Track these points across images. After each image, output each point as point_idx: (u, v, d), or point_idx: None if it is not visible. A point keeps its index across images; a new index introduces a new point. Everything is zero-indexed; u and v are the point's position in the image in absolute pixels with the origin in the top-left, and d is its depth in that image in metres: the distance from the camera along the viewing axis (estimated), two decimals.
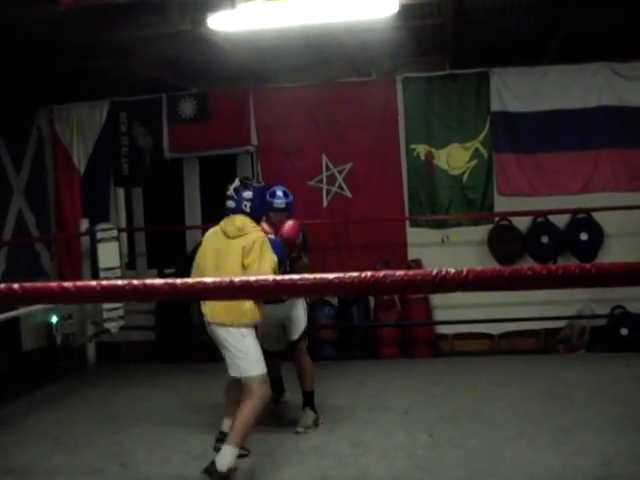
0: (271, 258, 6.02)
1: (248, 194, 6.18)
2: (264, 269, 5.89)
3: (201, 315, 6.23)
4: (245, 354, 5.99)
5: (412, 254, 10.51)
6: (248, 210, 6.18)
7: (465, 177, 10.48)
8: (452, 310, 10.10)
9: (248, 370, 5.97)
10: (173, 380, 9.19)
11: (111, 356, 10.84)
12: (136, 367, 10.19)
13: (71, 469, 6.37)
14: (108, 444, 6.91)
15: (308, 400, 7.27)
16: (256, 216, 6.27)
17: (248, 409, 5.86)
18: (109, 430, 7.28)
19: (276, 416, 7.50)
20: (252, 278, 2.25)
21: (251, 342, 6.04)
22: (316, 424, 7.15)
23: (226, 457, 5.75)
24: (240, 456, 5.95)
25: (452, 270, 2.12)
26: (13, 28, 7.39)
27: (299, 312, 7.25)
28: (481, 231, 10.51)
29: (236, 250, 6.00)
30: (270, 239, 6.30)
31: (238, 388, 6.15)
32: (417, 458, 6.26)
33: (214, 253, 6.15)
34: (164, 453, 6.68)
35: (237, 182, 6.28)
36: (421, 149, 10.58)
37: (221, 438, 6.24)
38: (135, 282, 2.29)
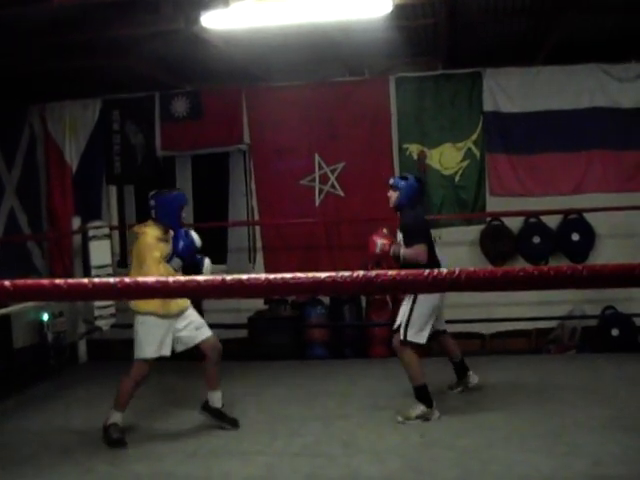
0: (153, 257, 6.66)
1: (152, 202, 6.93)
2: (147, 267, 6.63)
3: None
4: (136, 338, 6.91)
5: None
6: (154, 216, 6.90)
7: (457, 177, 10.50)
8: (444, 309, 10.10)
9: (136, 353, 6.90)
10: (164, 378, 9.16)
11: (102, 354, 10.80)
12: (127, 365, 10.13)
13: (61, 468, 6.35)
14: (98, 443, 6.89)
15: (415, 394, 7.30)
16: (160, 221, 6.90)
17: (124, 384, 6.89)
18: (99, 429, 7.26)
19: (265, 414, 7.51)
20: (244, 276, 2.25)
21: (142, 329, 6.86)
22: (424, 418, 7.17)
23: (113, 417, 6.85)
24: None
25: (444, 270, 2.12)
26: (5, 26, 7.37)
27: (405, 306, 7.34)
28: (473, 231, 10.53)
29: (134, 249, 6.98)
30: (178, 233, 6.87)
31: (209, 363, 7.04)
32: (409, 458, 6.26)
33: None
34: (154, 451, 6.67)
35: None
36: (414, 149, 10.58)
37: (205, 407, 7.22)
38: (127, 280, 2.29)
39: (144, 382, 6.99)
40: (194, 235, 6.92)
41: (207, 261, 7.03)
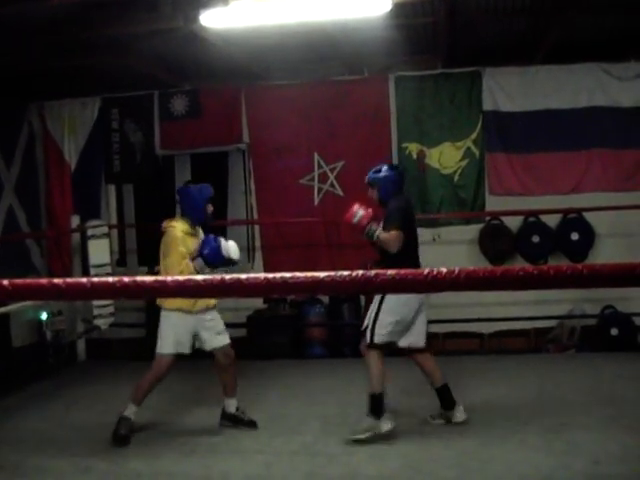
0: (177, 252, 6.65)
1: (177, 197, 7.09)
2: (170, 260, 6.68)
3: None
4: (159, 333, 6.86)
5: None
6: (179, 210, 7.01)
7: (457, 176, 10.50)
8: (443, 309, 10.09)
9: (158, 347, 6.83)
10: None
11: (101, 353, 10.81)
12: (126, 364, 10.15)
13: (60, 466, 6.35)
14: (97, 441, 6.89)
15: (369, 402, 6.74)
16: (187, 215, 6.93)
17: (144, 377, 6.87)
18: (98, 427, 7.25)
19: (264, 414, 7.50)
20: (243, 276, 2.24)
21: (164, 324, 6.84)
22: (373, 432, 6.59)
23: (128, 409, 6.84)
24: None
25: (444, 270, 2.11)
26: (5, 24, 7.36)
27: (372, 307, 6.89)
28: (472, 230, 10.52)
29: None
30: (207, 238, 6.77)
31: (220, 369, 7.05)
32: (408, 458, 6.25)
33: None
34: (154, 449, 6.66)
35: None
36: (413, 148, 10.58)
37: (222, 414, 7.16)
38: (125, 279, 2.28)
39: (164, 378, 6.93)
40: (223, 243, 6.70)
41: (232, 243, 6.81)
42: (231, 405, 7.12)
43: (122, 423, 6.82)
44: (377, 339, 6.76)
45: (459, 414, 6.98)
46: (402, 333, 6.86)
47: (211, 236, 6.76)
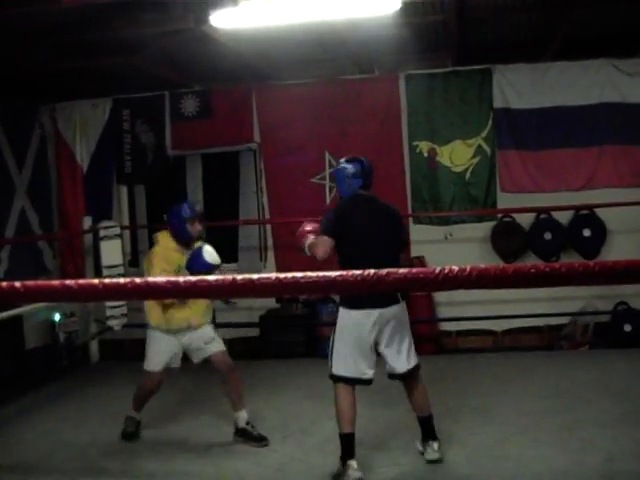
0: (159, 267, 6.60)
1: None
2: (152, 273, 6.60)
3: None
4: (147, 351, 7.00)
5: (415, 251, 10.49)
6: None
7: (468, 174, 10.49)
8: (455, 307, 10.10)
9: (144, 364, 6.99)
10: (175, 378, 9.14)
11: (114, 354, 10.83)
12: (139, 365, 10.15)
13: (74, 468, 6.38)
14: (111, 442, 6.92)
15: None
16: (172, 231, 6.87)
17: (137, 390, 7.16)
18: (112, 428, 7.27)
19: (277, 413, 7.50)
20: (255, 276, 2.24)
21: (150, 343, 7.00)
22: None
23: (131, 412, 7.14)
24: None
25: (455, 268, 2.11)
26: (15, 25, 7.39)
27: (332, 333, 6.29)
28: (484, 228, 10.51)
29: None
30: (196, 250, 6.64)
31: (223, 384, 6.98)
32: (421, 456, 6.24)
33: None
34: (166, 450, 6.69)
35: None
36: (424, 146, 10.57)
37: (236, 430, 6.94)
38: (137, 280, 2.28)
39: (157, 389, 7.04)
40: (206, 251, 6.54)
41: (207, 248, 6.59)
42: (239, 419, 6.89)
43: (127, 422, 7.08)
44: (335, 370, 6.09)
45: (430, 452, 6.15)
46: (365, 360, 6.06)
47: (198, 249, 6.60)
